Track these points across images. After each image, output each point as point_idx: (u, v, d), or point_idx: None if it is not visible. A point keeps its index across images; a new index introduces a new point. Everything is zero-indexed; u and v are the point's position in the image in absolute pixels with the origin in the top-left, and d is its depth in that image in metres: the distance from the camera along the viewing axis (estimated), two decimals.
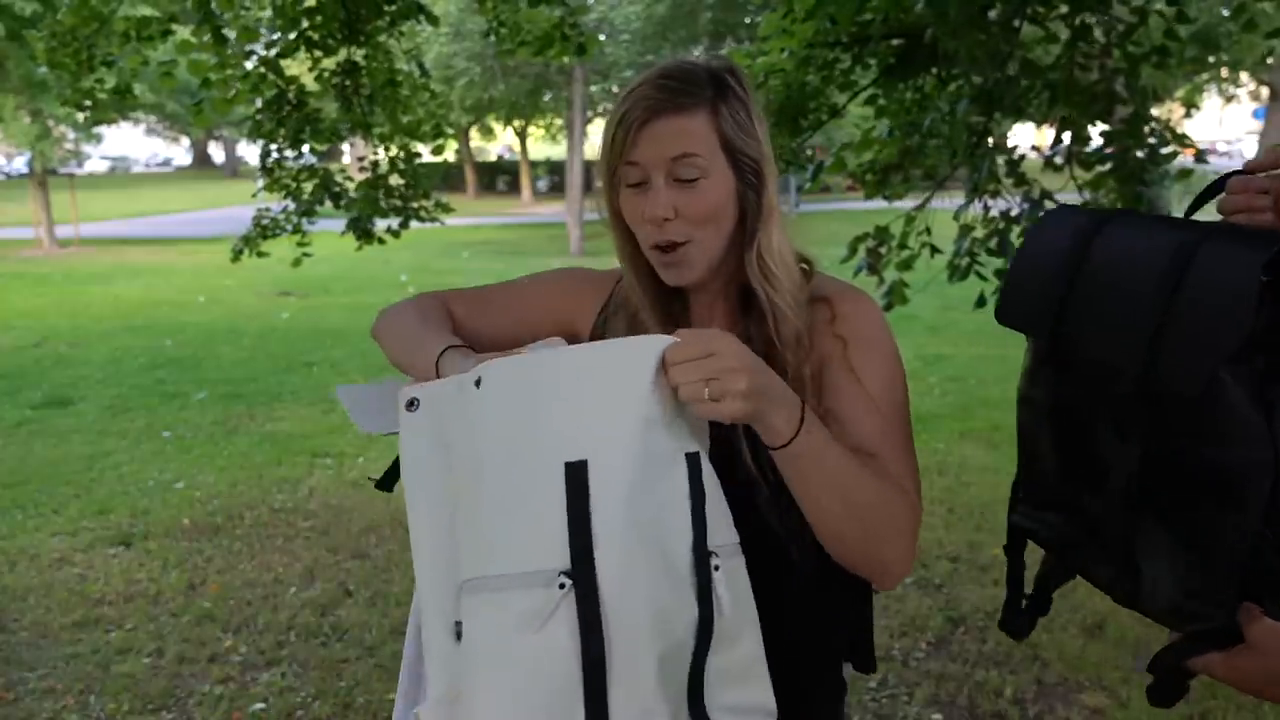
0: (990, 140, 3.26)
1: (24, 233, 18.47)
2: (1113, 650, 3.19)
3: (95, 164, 47.04)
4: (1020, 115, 3.41)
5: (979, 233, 3.35)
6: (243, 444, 5.70)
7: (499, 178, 32.83)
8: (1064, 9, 3.16)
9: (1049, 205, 3.27)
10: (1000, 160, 3.21)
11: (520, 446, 0.90)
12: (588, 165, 18.07)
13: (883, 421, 1.07)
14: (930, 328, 8.75)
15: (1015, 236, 3.27)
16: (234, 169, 42.46)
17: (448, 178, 31.11)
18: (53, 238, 17.27)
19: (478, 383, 0.93)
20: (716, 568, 0.91)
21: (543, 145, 36.68)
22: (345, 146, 5.01)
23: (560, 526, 0.86)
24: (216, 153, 49.16)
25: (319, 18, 4.32)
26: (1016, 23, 3.20)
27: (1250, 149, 28.34)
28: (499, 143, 41.01)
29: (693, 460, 0.92)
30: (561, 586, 0.85)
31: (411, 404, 0.98)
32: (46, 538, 4.26)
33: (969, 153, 3.18)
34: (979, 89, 3.19)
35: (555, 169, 30.20)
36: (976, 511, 4.44)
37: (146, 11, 4.59)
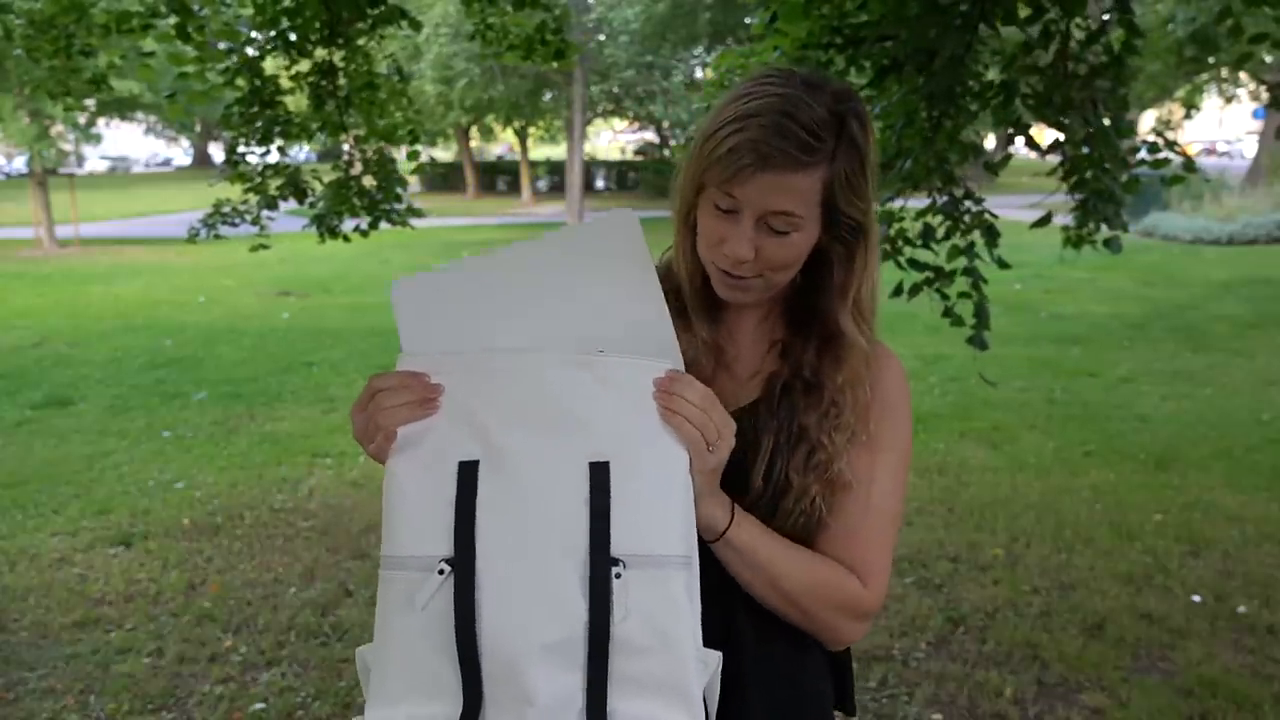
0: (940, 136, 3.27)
1: (24, 233, 18.44)
2: (1113, 650, 3.19)
3: (95, 164, 47.05)
4: (972, 116, 3.42)
5: (907, 224, 3.41)
6: (243, 444, 5.70)
7: (499, 178, 32.79)
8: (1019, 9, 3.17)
9: (969, 204, 3.35)
10: (931, 156, 3.24)
11: (426, 442, 0.96)
12: (588, 165, 18.06)
13: (871, 498, 1.09)
14: (930, 328, 8.68)
15: (939, 227, 3.37)
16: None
17: (448, 178, 31.08)
18: (53, 238, 17.24)
19: None
20: (618, 575, 0.90)
21: (543, 145, 36.65)
22: (345, 146, 4.99)
23: (447, 517, 0.91)
24: (216, 153, 49.11)
25: (299, 19, 4.31)
26: (981, 26, 3.19)
27: (1250, 149, 28.34)
28: (500, 143, 41.00)
29: (598, 469, 0.92)
30: (440, 572, 0.90)
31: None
32: (46, 538, 4.26)
33: (923, 148, 3.21)
34: (921, 85, 3.21)
35: (555, 169, 30.17)
36: (976, 511, 4.44)
37: (130, 6, 4.56)
